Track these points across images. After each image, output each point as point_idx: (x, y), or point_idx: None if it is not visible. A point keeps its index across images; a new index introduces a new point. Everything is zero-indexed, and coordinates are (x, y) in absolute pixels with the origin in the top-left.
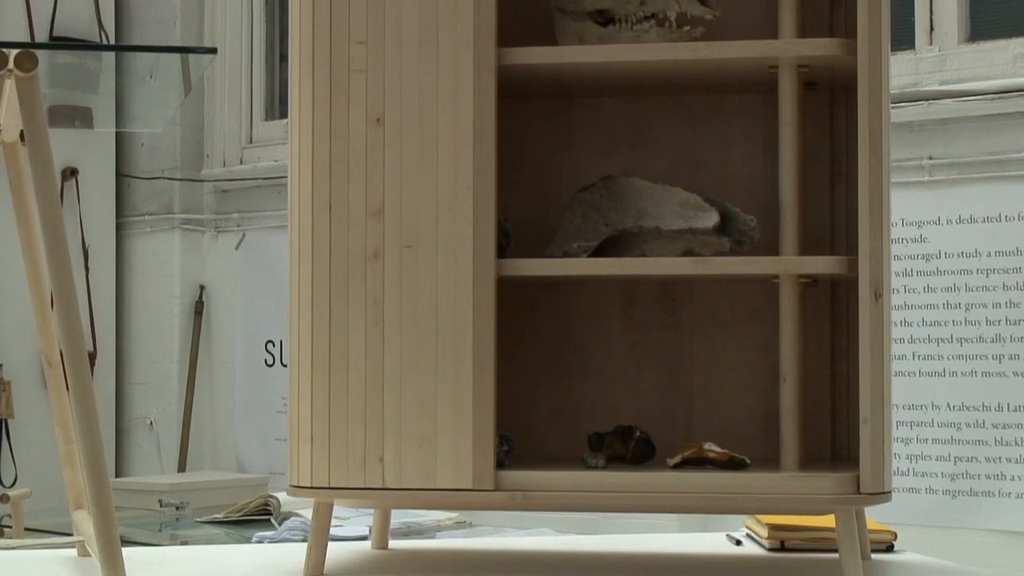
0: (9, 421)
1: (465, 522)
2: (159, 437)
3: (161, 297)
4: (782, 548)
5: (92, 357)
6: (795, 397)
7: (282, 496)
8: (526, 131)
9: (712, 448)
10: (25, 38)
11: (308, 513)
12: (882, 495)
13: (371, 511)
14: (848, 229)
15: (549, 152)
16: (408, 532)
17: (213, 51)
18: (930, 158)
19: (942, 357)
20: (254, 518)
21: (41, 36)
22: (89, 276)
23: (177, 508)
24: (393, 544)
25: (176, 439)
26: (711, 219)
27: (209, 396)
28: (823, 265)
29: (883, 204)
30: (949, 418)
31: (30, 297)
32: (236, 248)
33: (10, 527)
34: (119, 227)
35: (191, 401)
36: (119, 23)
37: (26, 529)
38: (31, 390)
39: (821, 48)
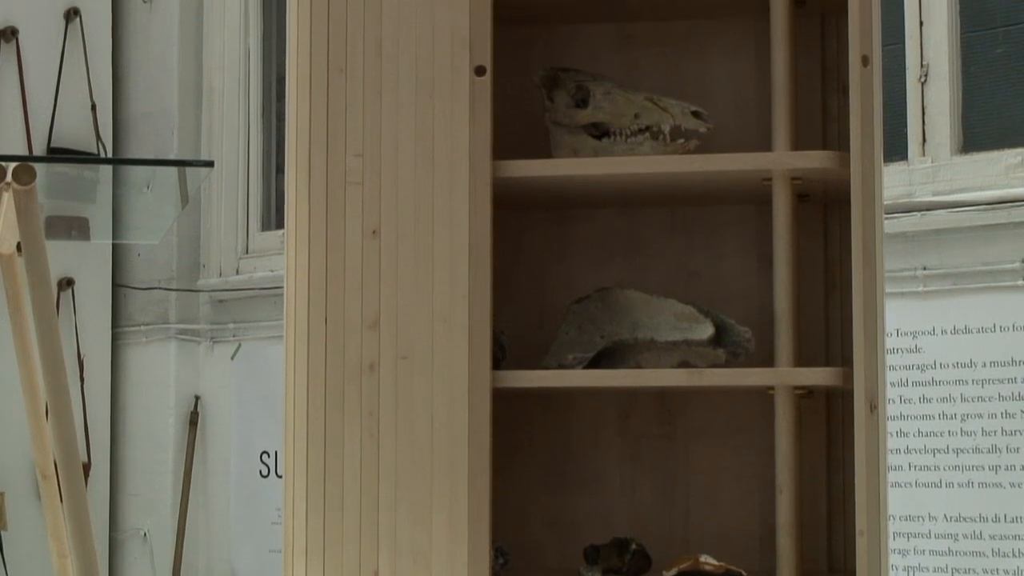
0: (3, 533)
1: None
2: (153, 549)
3: (156, 407)
4: None
5: (86, 468)
6: (791, 509)
7: None
8: (522, 242)
9: (708, 560)
10: (23, 150)
11: None
12: None
13: None
14: (843, 340)
15: (544, 263)
16: None
17: (210, 164)
18: (924, 268)
19: (938, 468)
20: None
21: (39, 146)
22: (84, 386)
23: None
24: None
25: (170, 551)
26: (706, 331)
27: (203, 507)
28: (818, 377)
29: (878, 315)
30: (946, 529)
31: (25, 408)
32: (232, 358)
33: None
34: (115, 337)
35: (185, 512)
36: (116, 134)
37: None
38: (25, 501)
39: (814, 161)
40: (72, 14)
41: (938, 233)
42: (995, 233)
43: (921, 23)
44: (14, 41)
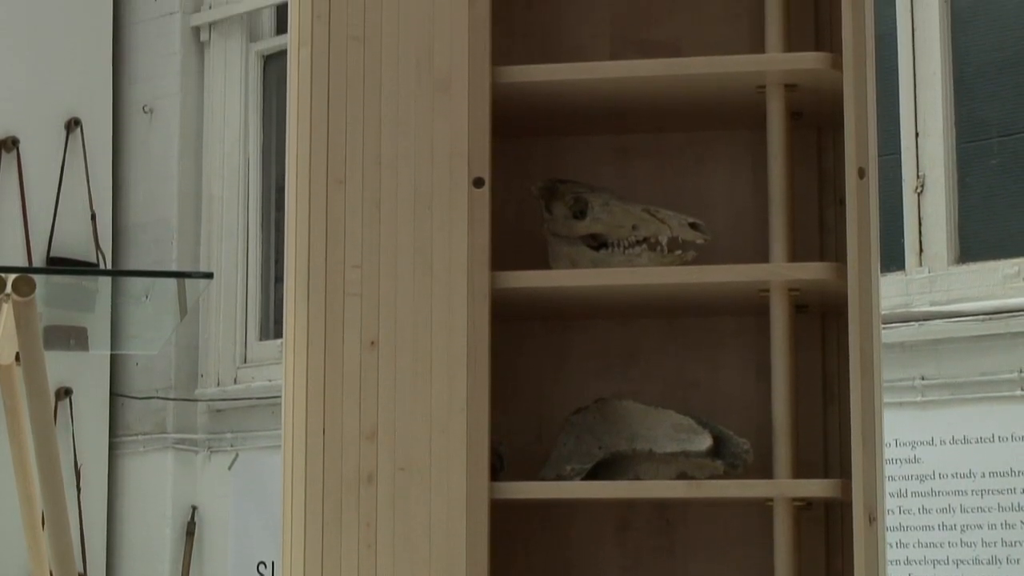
0: None
1: None
2: None
3: (153, 517)
4: None
5: None
6: None
7: None
8: (520, 353)
9: None
10: (23, 259)
11: None
12: None
13: None
14: (841, 451)
15: (543, 374)
16: None
17: (209, 276)
18: (922, 378)
19: None
20: None
21: (39, 255)
22: (81, 496)
23: None
24: None
25: None
26: (704, 442)
27: None
28: (816, 489)
29: (876, 426)
30: None
31: (21, 518)
32: (229, 468)
33: None
34: (112, 447)
35: None
36: (116, 243)
37: None
38: None
39: (812, 272)
40: (73, 124)
41: (936, 343)
42: (993, 343)
43: (917, 134)
44: (15, 151)
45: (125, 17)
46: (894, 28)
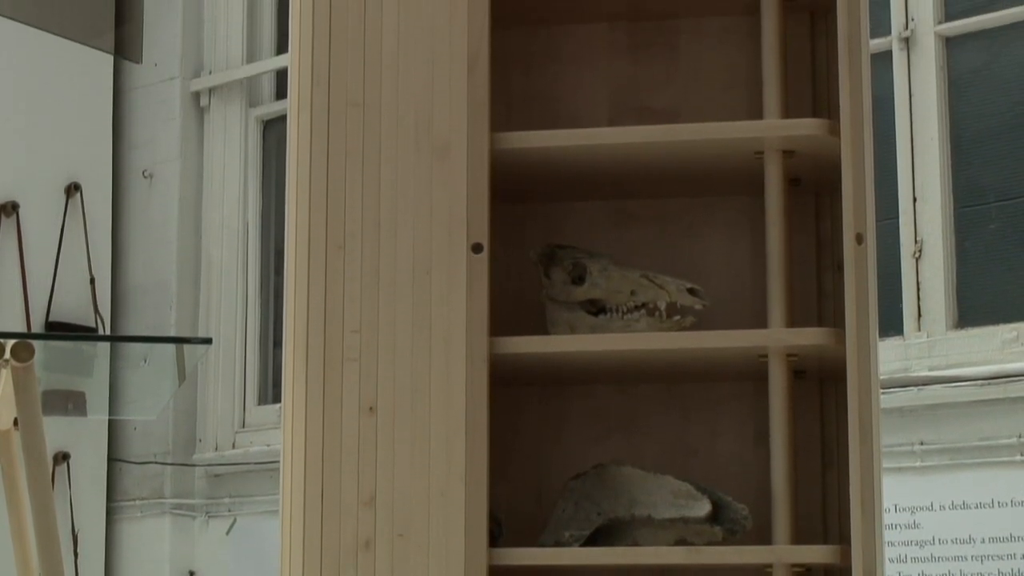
0: None
1: None
2: None
3: None
4: None
5: None
6: None
7: None
8: (518, 419)
9: None
10: (21, 324)
11: None
12: None
13: None
14: (841, 517)
15: (541, 439)
16: None
17: (208, 341)
18: (921, 443)
19: None
20: None
21: (38, 319)
22: (78, 562)
23: None
24: None
25: None
26: (703, 508)
27: None
28: (816, 555)
29: (875, 491)
30: None
31: None
32: (227, 533)
33: None
34: (109, 511)
35: None
36: (115, 307)
37: None
38: None
39: (810, 338)
40: (73, 189)
41: (934, 408)
42: (991, 408)
43: (915, 199)
44: (15, 216)
45: (125, 83)
46: (892, 93)
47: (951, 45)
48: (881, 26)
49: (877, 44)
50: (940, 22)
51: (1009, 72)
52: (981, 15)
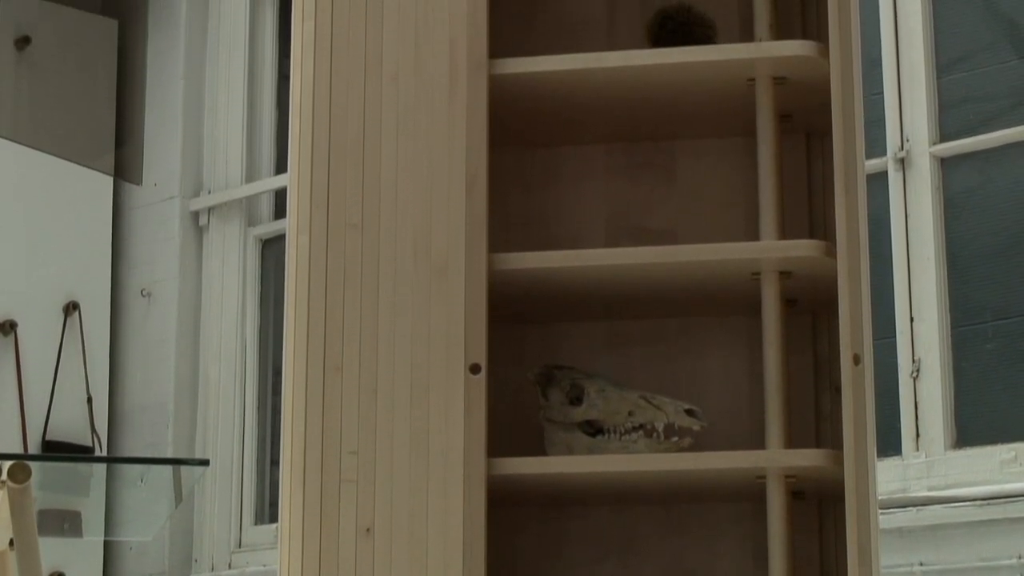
0: None
1: None
2: None
3: None
4: None
5: None
6: None
7: None
8: (516, 540)
9: None
10: (18, 444)
11: None
12: None
13: None
14: None
15: (539, 561)
16: None
17: (205, 463)
18: (921, 564)
19: None
20: None
21: (34, 438)
22: None
23: None
24: None
25: None
26: None
27: None
28: None
29: None
30: None
31: None
32: None
33: None
34: None
35: None
36: (112, 426)
37: None
38: None
39: (808, 458)
40: (71, 308)
41: (934, 528)
42: (991, 528)
43: (912, 318)
44: (12, 334)
45: (125, 202)
46: (887, 212)
47: (946, 166)
48: (876, 146)
49: (872, 164)
50: (935, 143)
51: (1004, 192)
52: (976, 136)
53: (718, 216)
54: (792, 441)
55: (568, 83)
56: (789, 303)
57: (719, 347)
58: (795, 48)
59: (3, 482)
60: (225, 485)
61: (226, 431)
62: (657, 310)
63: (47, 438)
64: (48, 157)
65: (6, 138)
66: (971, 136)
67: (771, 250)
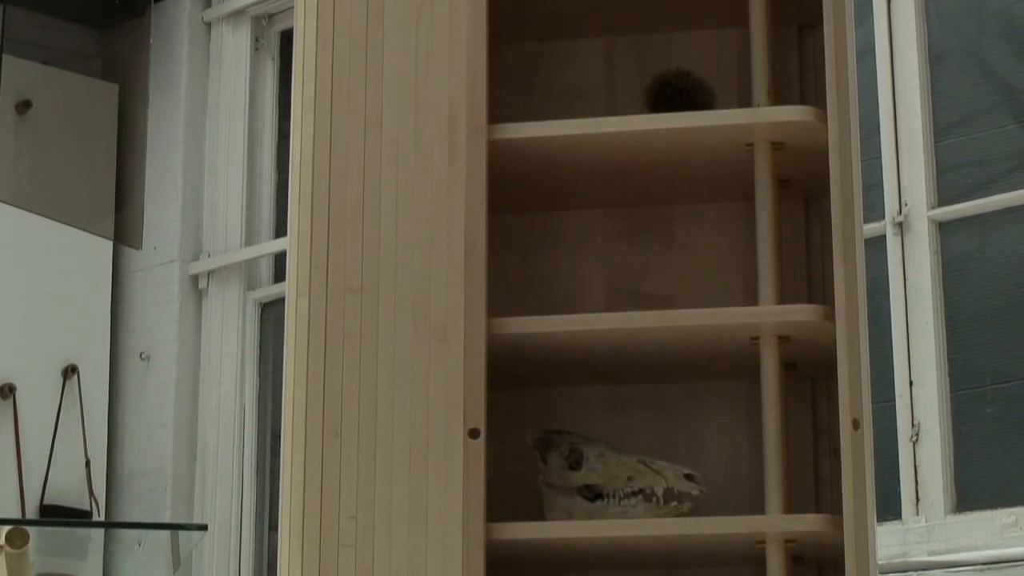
0: None
1: None
2: None
3: None
4: None
5: None
6: None
7: None
8: None
9: None
10: (16, 507)
11: None
12: None
13: None
14: None
15: None
16: None
17: (203, 528)
18: None
19: None
20: None
21: (32, 502)
22: None
23: None
24: None
25: None
26: None
27: None
28: None
29: None
30: None
31: None
32: None
33: None
34: None
35: None
36: (110, 490)
37: None
38: None
39: (807, 524)
40: (70, 371)
41: None
42: None
43: (911, 383)
44: (11, 398)
45: (124, 266)
46: (886, 276)
47: (944, 230)
48: (875, 210)
49: (871, 228)
50: (933, 207)
51: (1002, 256)
52: (973, 200)
53: (717, 281)
54: (792, 506)
55: (567, 148)
56: (788, 367)
57: (718, 411)
58: (793, 113)
59: (1, 547)
60: (223, 549)
61: (224, 495)
62: (657, 374)
63: (45, 502)
64: (48, 221)
65: (6, 202)
66: (969, 200)
67: (770, 315)
